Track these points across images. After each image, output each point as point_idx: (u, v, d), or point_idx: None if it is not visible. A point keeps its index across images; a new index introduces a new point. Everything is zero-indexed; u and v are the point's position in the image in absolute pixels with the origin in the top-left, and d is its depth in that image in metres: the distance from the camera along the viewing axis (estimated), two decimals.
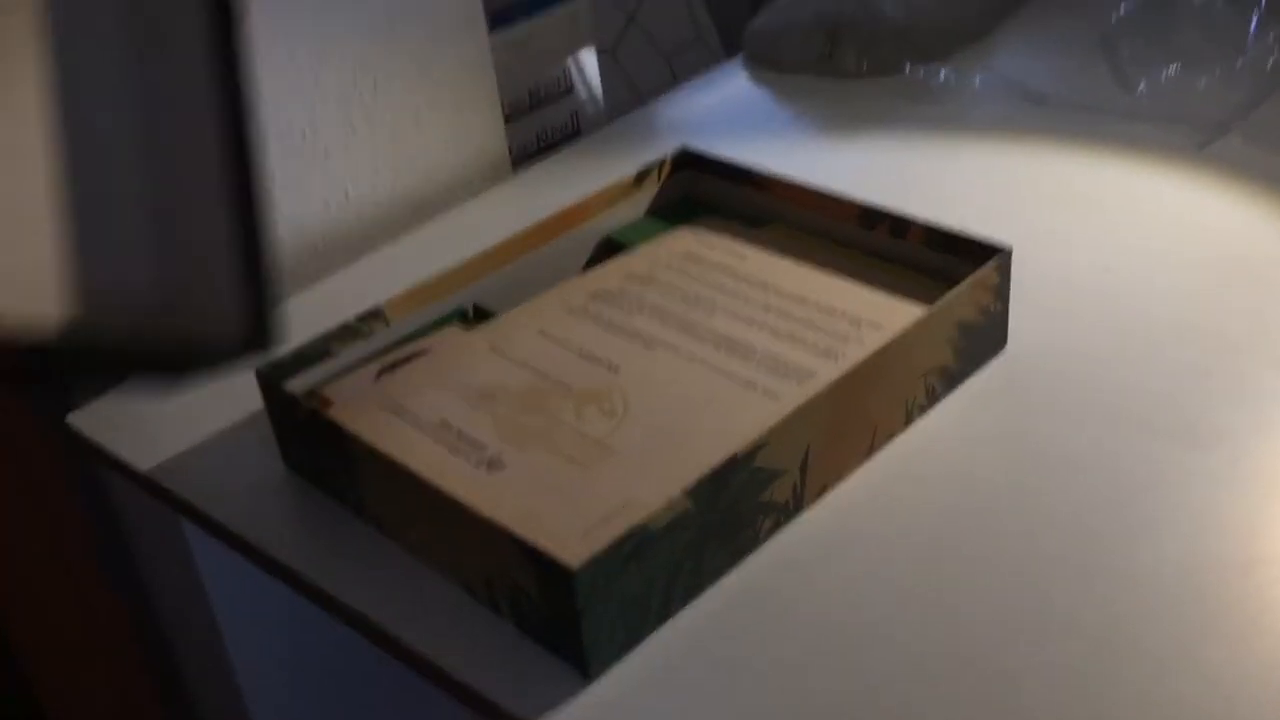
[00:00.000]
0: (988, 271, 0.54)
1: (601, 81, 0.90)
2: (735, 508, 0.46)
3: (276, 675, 0.69)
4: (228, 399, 0.58)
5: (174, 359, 0.33)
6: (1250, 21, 0.77)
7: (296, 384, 0.53)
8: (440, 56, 0.73)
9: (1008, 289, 0.56)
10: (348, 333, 0.55)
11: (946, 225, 0.57)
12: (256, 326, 0.34)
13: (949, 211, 0.67)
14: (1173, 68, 0.76)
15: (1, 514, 0.70)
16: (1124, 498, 0.49)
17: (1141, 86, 0.76)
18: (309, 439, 0.51)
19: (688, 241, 0.62)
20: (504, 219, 0.71)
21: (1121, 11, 0.83)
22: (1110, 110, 0.74)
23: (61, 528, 0.72)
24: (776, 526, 0.49)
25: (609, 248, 0.63)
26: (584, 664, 0.43)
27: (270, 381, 0.52)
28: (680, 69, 1.04)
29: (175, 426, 0.58)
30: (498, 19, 0.79)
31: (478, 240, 0.60)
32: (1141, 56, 0.77)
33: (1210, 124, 0.73)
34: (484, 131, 0.77)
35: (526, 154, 0.84)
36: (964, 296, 0.53)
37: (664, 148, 0.68)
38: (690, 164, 0.67)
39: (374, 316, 0.56)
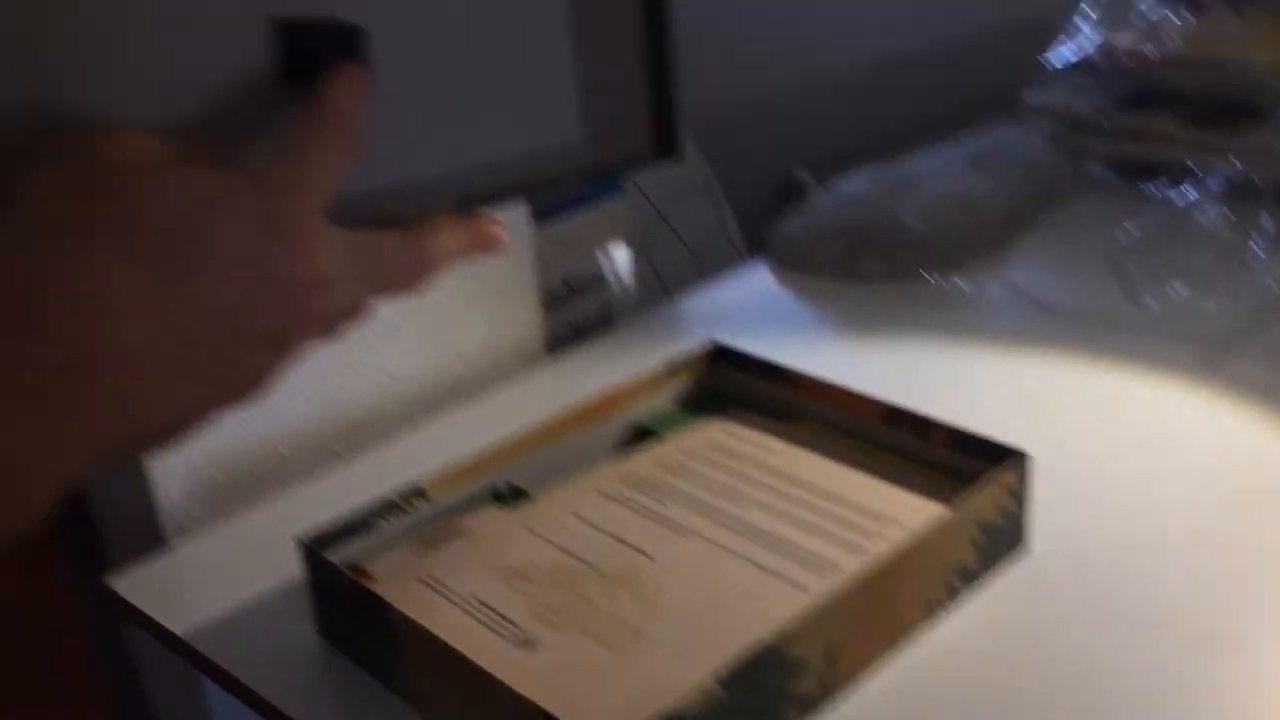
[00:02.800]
0: (1008, 474, 0.56)
1: (633, 274, 0.95)
2: (763, 697, 0.47)
3: None
4: (263, 566, 0.60)
5: (609, 170, 0.47)
6: (1255, 247, 0.82)
7: (337, 555, 0.55)
8: None
9: (1027, 492, 0.58)
10: (389, 507, 0.57)
11: (968, 428, 0.60)
12: (666, 143, 0.46)
13: (968, 414, 0.69)
14: (1182, 287, 0.80)
15: (21, 666, 0.70)
16: (1139, 702, 0.50)
17: (1152, 304, 0.80)
18: (348, 609, 0.53)
19: (717, 433, 0.65)
20: (539, 402, 0.73)
21: (1132, 230, 0.87)
22: (1122, 325, 0.78)
23: (80, 685, 0.72)
24: (802, 717, 0.49)
25: (641, 435, 0.66)
26: None
27: (313, 550, 0.54)
28: (707, 266, 1.08)
29: (210, 591, 0.59)
30: (540, 213, 0.84)
31: (514, 421, 0.63)
32: (1151, 275, 0.81)
33: (1218, 343, 0.77)
34: (522, 319, 0.80)
35: (560, 340, 0.88)
36: (985, 498, 0.55)
37: (692, 341, 0.71)
38: (720, 358, 0.70)
39: (415, 493, 0.58)
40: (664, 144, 0.46)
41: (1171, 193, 0.87)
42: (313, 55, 0.39)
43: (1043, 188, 0.98)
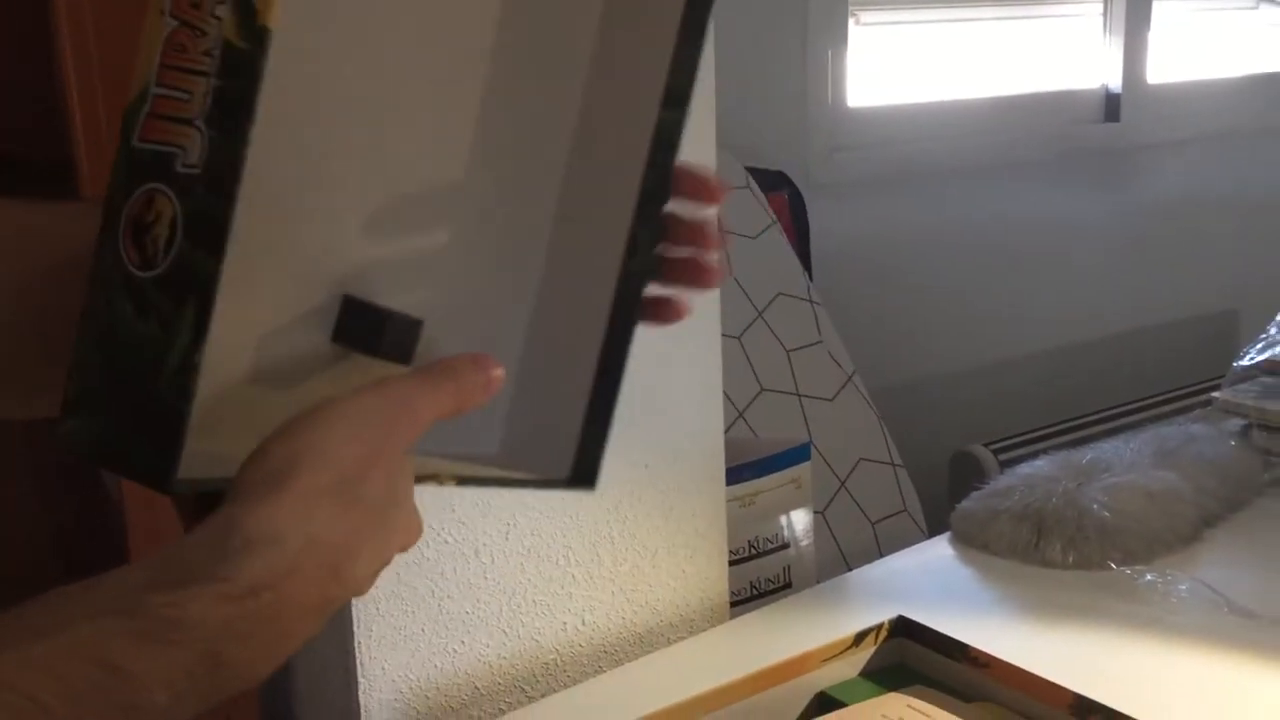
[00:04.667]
0: None
1: (813, 540, 0.97)
2: None
3: None
4: None
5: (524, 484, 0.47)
6: None
7: None
8: (684, 504, 0.81)
9: None
10: None
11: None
12: (584, 470, 0.47)
13: (1154, 713, 0.68)
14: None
15: None
16: None
17: None
18: None
19: (900, 707, 0.66)
20: (722, 659, 0.75)
21: None
22: None
23: None
24: None
25: (824, 704, 0.67)
26: None
27: None
28: (884, 538, 1.10)
29: None
30: (731, 474, 0.88)
31: (698, 675, 0.65)
32: None
33: None
34: (710, 576, 0.84)
35: (740, 599, 0.90)
36: None
37: (870, 612, 0.72)
38: (906, 632, 0.71)
39: None
40: (581, 473, 0.47)
41: None
42: (367, 330, 0.42)
43: (1233, 486, 0.97)
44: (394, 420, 0.40)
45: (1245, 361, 1.00)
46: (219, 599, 0.35)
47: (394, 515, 0.40)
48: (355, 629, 0.67)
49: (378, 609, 0.68)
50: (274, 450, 0.38)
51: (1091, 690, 0.66)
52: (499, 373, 0.43)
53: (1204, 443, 1.01)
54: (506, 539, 0.73)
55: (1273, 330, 1.00)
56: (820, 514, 1.08)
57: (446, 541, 0.71)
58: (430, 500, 0.69)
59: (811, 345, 1.22)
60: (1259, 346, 1.00)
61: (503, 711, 0.72)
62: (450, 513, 0.71)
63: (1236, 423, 1.04)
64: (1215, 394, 1.03)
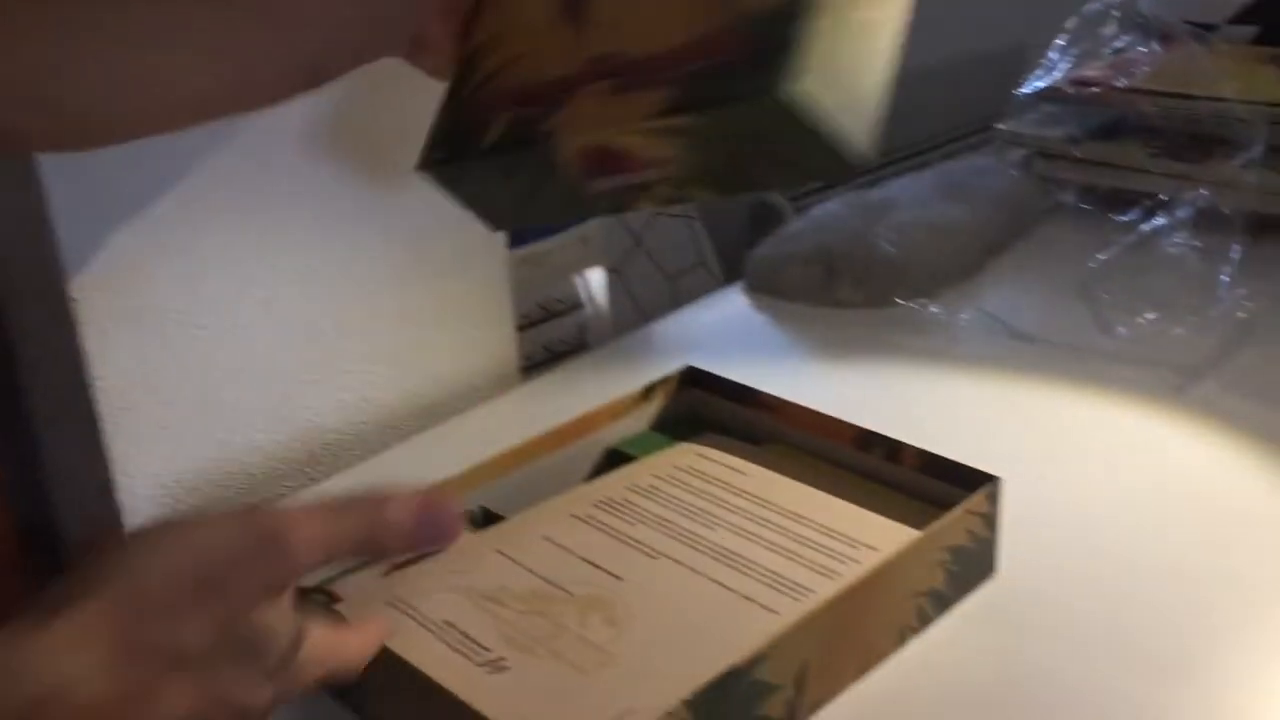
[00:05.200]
0: (979, 499, 0.57)
1: (608, 299, 0.95)
2: None
3: None
4: None
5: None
6: (1222, 275, 0.82)
7: (305, 578, 0.55)
8: (462, 270, 0.77)
9: (997, 517, 0.58)
10: None
11: (939, 453, 0.60)
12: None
13: (940, 440, 0.70)
14: (1150, 314, 0.81)
15: None
16: None
17: (1121, 330, 0.80)
18: None
19: (691, 457, 0.65)
20: (512, 425, 0.73)
21: (1101, 258, 0.88)
22: (1091, 351, 0.78)
23: None
24: None
25: (614, 459, 0.66)
26: None
27: None
28: (682, 291, 1.09)
29: None
30: (516, 238, 0.84)
31: (487, 445, 0.63)
32: (1120, 302, 0.82)
33: (1187, 369, 0.77)
34: (496, 342, 0.80)
35: (535, 363, 0.88)
36: (956, 522, 0.56)
37: (667, 365, 0.71)
38: (695, 382, 0.70)
39: None
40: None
41: (1141, 221, 0.88)
42: None
43: (1014, 216, 0.98)
44: (250, 550, 0.33)
45: (1026, 90, 1.00)
46: None
47: (219, 674, 0.33)
48: (104, 429, 0.62)
49: (126, 404, 0.63)
50: (91, 562, 0.31)
51: (878, 423, 0.67)
52: (443, 519, 0.38)
53: (987, 175, 1.01)
54: (268, 317, 0.68)
55: (1053, 56, 0.99)
56: (616, 272, 1.06)
57: (201, 326, 0.66)
58: (169, 281, 0.63)
59: None
60: (1038, 75, 0.99)
61: (283, 495, 0.69)
62: (194, 295, 0.65)
63: (1018, 153, 1.04)
64: (998, 125, 1.03)
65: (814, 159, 0.41)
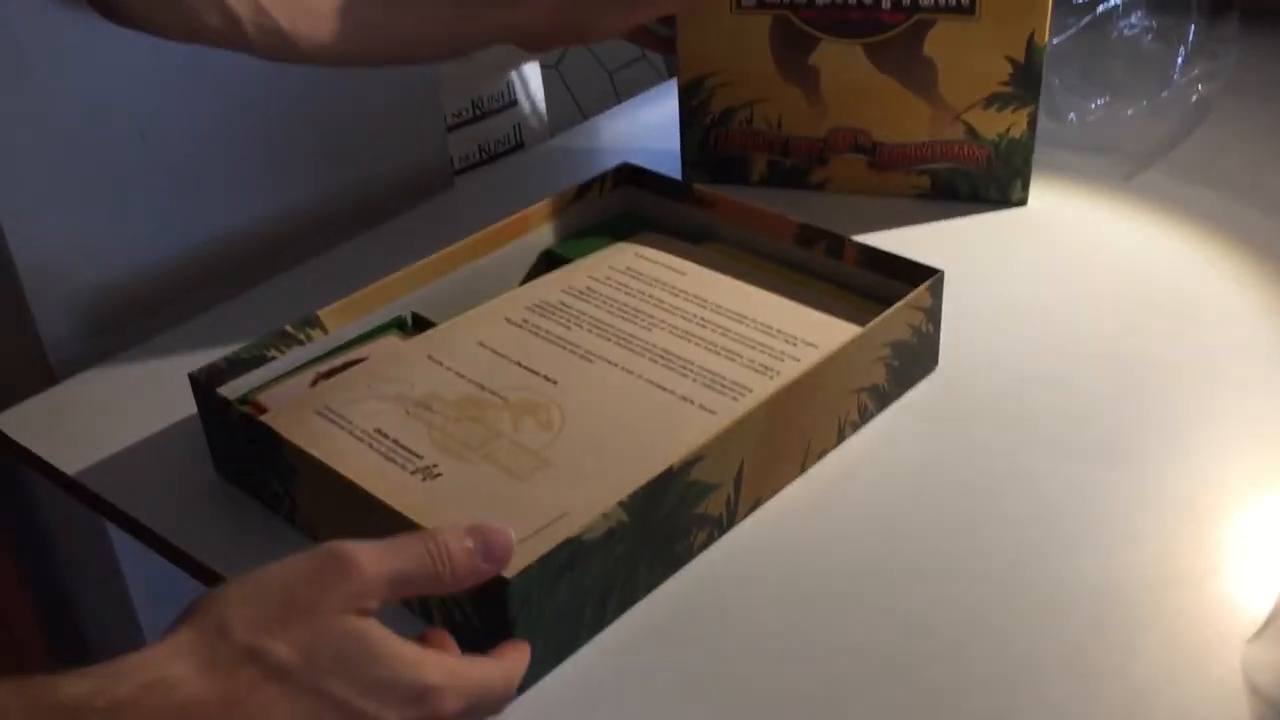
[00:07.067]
0: (920, 293, 0.55)
1: (545, 95, 0.91)
2: (669, 521, 0.46)
3: None
4: (158, 403, 0.58)
5: None
6: (1176, 56, 0.80)
7: (231, 389, 0.53)
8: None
9: (939, 311, 0.57)
10: (284, 339, 0.55)
11: (880, 247, 0.58)
12: None
13: (880, 236, 0.68)
14: (1101, 99, 0.78)
15: None
16: (1045, 517, 0.50)
17: (1071, 117, 0.78)
18: (242, 444, 0.51)
19: (627, 256, 0.63)
20: (445, 228, 0.70)
21: (1054, 42, 0.85)
22: (1041, 139, 0.76)
23: None
24: (710, 540, 0.49)
25: (549, 261, 0.64)
26: None
27: (204, 385, 0.52)
28: (623, 86, 1.05)
29: (104, 430, 0.57)
30: None
31: (418, 249, 0.60)
32: (1072, 87, 0.79)
33: (1136, 156, 0.76)
34: (426, 141, 0.77)
35: (469, 164, 0.85)
36: (897, 317, 0.54)
37: (606, 163, 0.68)
38: (631, 179, 0.67)
39: (311, 323, 0.56)
40: None
41: (1097, 2, 0.85)
42: None
43: None
44: (323, 572, 0.35)
45: None
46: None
47: (324, 688, 0.34)
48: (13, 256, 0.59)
49: (37, 213, 0.60)
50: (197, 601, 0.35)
51: (817, 219, 0.65)
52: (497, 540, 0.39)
53: None
54: (181, 126, 0.64)
55: None
56: (554, 68, 1.01)
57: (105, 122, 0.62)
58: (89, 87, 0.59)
59: None
60: None
61: (209, 306, 0.66)
62: (106, 111, 0.61)
63: None
64: None
65: None
